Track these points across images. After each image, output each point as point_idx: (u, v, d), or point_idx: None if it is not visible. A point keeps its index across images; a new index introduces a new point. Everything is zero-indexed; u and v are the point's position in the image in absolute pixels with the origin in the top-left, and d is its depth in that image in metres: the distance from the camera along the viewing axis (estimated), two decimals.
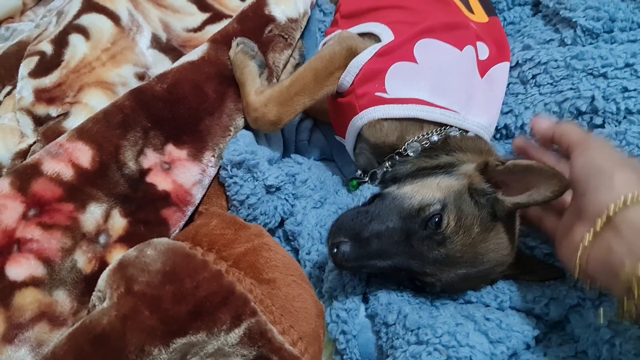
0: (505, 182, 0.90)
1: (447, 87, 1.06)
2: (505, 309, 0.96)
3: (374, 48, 1.08)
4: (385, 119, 1.03)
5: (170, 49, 1.26)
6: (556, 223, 0.89)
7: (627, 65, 1.10)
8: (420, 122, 1.03)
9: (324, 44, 1.22)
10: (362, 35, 1.16)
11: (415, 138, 1.02)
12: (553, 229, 0.91)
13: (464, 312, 0.92)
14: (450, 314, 0.91)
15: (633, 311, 0.68)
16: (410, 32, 1.09)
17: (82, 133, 0.98)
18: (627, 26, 1.19)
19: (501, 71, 1.20)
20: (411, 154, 1.02)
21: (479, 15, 1.28)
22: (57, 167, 0.94)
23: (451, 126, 1.03)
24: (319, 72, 1.09)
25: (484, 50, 1.17)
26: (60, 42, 1.16)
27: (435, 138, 1.02)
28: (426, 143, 1.02)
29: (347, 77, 1.08)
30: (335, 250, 0.85)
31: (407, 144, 1.02)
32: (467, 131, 1.05)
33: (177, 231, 1.01)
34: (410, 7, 1.19)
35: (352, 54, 1.08)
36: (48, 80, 1.12)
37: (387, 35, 1.11)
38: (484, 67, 1.15)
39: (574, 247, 0.77)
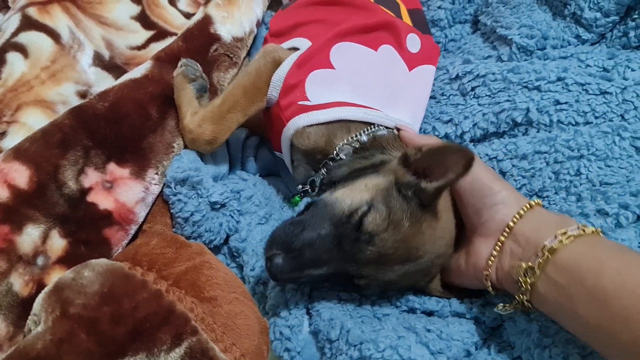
0: (429, 170, 0.90)
1: (367, 87, 1.09)
2: (447, 316, 0.99)
3: (292, 58, 1.10)
4: (311, 126, 1.05)
5: (114, 67, 1.25)
6: (454, 260, 0.98)
7: (559, 79, 1.15)
8: (346, 124, 1.05)
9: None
10: (289, 50, 1.18)
11: (345, 141, 1.04)
12: (450, 267, 0.98)
13: (406, 323, 0.94)
14: (392, 327, 0.93)
15: (525, 303, 0.81)
16: (325, 37, 1.11)
17: (19, 153, 0.95)
18: (558, 44, 1.26)
19: (428, 72, 1.24)
20: (343, 157, 1.04)
21: None
22: None
23: (379, 125, 1.06)
24: (247, 88, 1.10)
25: (415, 43, 1.21)
26: None
27: (364, 138, 1.04)
28: (356, 144, 1.04)
29: (273, 92, 1.10)
30: (269, 263, 0.85)
31: (338, 148, 1.04)
32: (392, 129, 1.07)
33: (119, 250, 1.00)
34: (331, 20, 1.22)
35: (277, 66, 1.11)
36: None
37: (306, 46, 1.14)
38: (413, 61, 1.19)
39: (482, 262, 0.89)
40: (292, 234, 0.87)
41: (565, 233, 0.79)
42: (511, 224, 0.86)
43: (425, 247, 0.90)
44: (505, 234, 0.86)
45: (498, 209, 0.88)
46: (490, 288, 0.89)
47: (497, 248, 0.87)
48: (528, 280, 0.79)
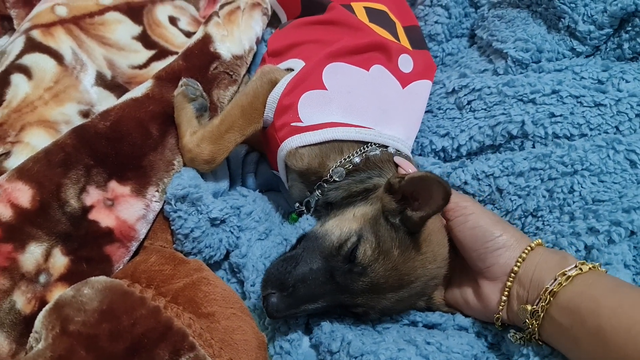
0: (415, 196, 0.91)
1: (359, 106, 1.10)
2: (448, 329, 0.99)
3: (286, 79, 1.12)
4: (304, 147, 1.06)
5: (116, 86, 1.27)
6: (461, 295, 0.99)
7: (554, 92, 1.17)
8: (339, 144, 1.06)
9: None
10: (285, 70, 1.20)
11: (338, 162, 1.05)
12: (458, 300, 1.00)
13: (406, 336, 0.95)
14: (392, 339, 0.94)
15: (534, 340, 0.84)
16: (317, 58, 1.13)
17: (22, 173, 0.98)
18: (553, 56, 1.27)
19: (423, 87, 1.25)
20: (337, 179, 1.05)
21: (404, 45, 1.33)
22: None
23: (371, 144, 1.06)
24: (245, 109, 1.12)
25: (407, 63, 1.22)
26: (2, 82, 1.16)
27: (357, 160, 1.05)
28: (349, 166, 1.05)
29: (269, 113, 1.12)
30: (265, 303, 0.87)
31: (331, 170, 1.05)
32: (386, 147, 1.08)
33: (120, 267, 1.01)
34: (326, 40, 1.24)
35: (273, 87, 1.12)
36: None
37: (300, 67, 1.16)
38: (406, 79, 1.20)
39: (492, 306, 0.91)
40: (285, 271, 0.89)
41: (564, 274, 0.81)
42: (516, 268, 0.88)
43: (417, 272, 0.91)
44: (511, 279, 0.88)
45: (501, 253, 0.90)
46: (499, 324, 0.92)
47: (506, 293, 0.89)
48: (535, 322, 0.81)
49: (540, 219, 1.06)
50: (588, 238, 0.95)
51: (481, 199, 1.13)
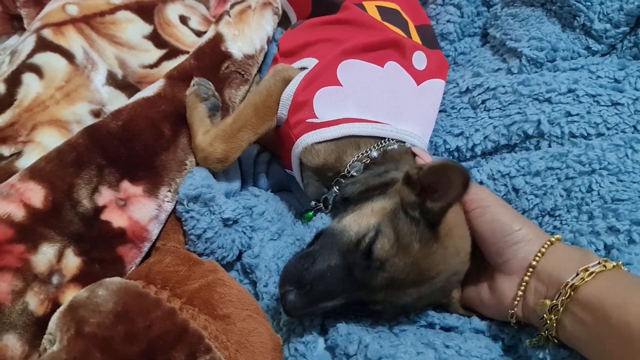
0: (434, 187, 0.88)
1: (374, 102, 1.09)
2: (465, 331, 0.98)
3: (300, 77, 1.11)
4: (320, 143, 1.05)
5: (127, 86, 1.26)
6: (476, 292, 0.97)
7: (570, 90, 1.16)
8: (356, 140, 1.05)
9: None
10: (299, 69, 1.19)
11: (355, 157, 1.04)
12: (473, 298, 0.98)
13: (424, 339, 0.93)
14: (410, 342, 0.92)
15: (550, 338, 0.82)
16: (331, 55, 1.12)
17: (35, 172, 0.97)
18: (568, 55, 1.26)
19: (437, 86, 1.24)
20: (355, 174, 1.03)
21: None
22: (8, 207, 0.92)
23: (388, 140, 1.05)
24: (258, 107, 1.11)
25: (421, 60, 1.21)
26: (14, 81, 1.15)
27: (375, 154, 1.04)
28: (367, 160, 1.04)
29: (283, 110, 1.11)
30: (283, 301, 0.85)
31: (349, 165, 1.04)
32: (403, 142, 1.07)
33: (132, 268, 1.00)
34: (339, 39, 1.23)
35: (287, 85, 1.12)
36: (1, 120, 1.11)
37: (313, 65, 1.15)
38: (420, 77, 1.20)
39: (507, 301, 0.89)
40: (302, 268, 0.87)
41: (586, 269, 0.79)
42: (534, 262, 0.86)
43: (439, 267, 0.89)
44: (529, 273, 0.86)
45: (519, 247, 0.88)
46: (514, 322, 0.90)
47: (522, 288, 0.87)
48: (553, 317, 0.79)
49: (557, 218, 1.05)
50: (608, 237, 0.94)
51: None
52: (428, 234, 0.87)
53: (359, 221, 0.91)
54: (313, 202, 1.13)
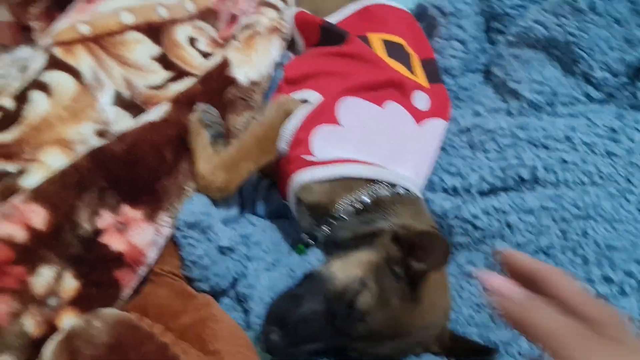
0: (416, 249, 0.91)
1: (372, 143, 1.11)
2: None
3: (301, 112, 1.13)
4: (315, 182, 1.07)
5: (132, 106, 1.27)
6: None
7: (567, 138, 1.17)
8: (348, 182, 1.07)
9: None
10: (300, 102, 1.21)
11: (347, 200, 1.06)
12: None
13: None
14: None
15: None
16: (333, 92, 1.14)
17: (38, 194, 0.98)
18: (567, 101, 1.27)
19: (438, 126, 1.26)
20: (345, 217, 1.05)
21: (421, 80, 1.33)
22: (9, 229, 0.94)
23: (380, 183, 1.07)
24: (260, 139, 1.13)
25: (421, 99, 1.24)
26: (22, 97, 1.17)
27: (366, 199, 1.05)
28: (358, 205, 1.05)
29: (283, 144, 1.13)
30: (266, 339, 0.88)
31: (340, 206, 1.06)
32: (394, 185, 1.08)
33: (128, 292, 1.02)
34: (342, 72, 1.25)
35: (288, 118, 1.14)
36: (9, 136, 1.13)
37: (314, 98, 1.17)
38: (420, 116, 1.22)
39: None
40: (287, 309, 0.90)
41: None
42: None
43: (416, 324, 0.92)
44: None
45: None
46: None
47: None
48: None
49: (552, 257, 1.06)
50: (602, 287, 0.96)
51: (490, 233, 1.14)
52: (409, 292, 0.91)
53: (345, 270, 0.94)
54: (303, 234, 1.15)
